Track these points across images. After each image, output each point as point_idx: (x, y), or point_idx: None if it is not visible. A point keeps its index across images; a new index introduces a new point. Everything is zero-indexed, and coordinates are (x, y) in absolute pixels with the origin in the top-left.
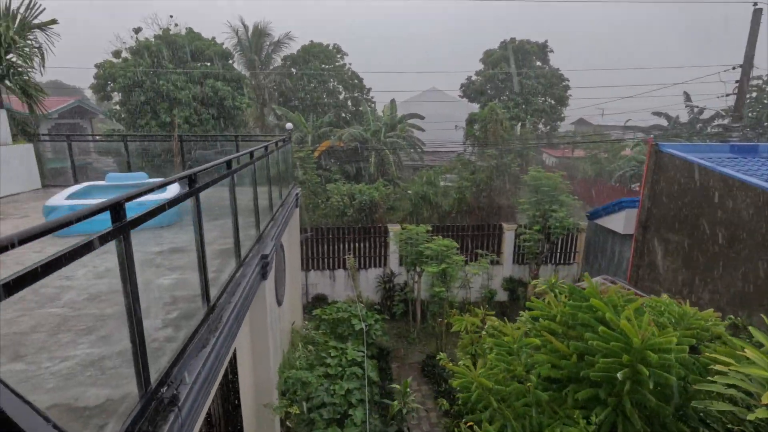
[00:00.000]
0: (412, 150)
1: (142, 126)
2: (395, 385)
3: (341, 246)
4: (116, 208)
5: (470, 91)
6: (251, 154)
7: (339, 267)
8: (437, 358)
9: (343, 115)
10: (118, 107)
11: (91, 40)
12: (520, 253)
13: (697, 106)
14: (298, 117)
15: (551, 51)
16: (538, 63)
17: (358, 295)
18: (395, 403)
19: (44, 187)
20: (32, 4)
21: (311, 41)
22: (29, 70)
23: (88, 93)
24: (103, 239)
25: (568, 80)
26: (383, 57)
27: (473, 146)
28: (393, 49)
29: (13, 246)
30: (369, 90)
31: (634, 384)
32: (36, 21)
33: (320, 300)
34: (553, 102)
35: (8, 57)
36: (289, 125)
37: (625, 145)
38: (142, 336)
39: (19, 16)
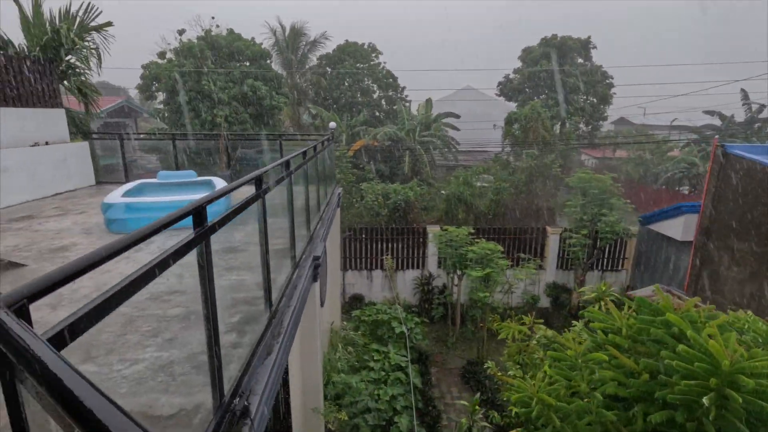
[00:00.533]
0: (446, 149)
1: (184, 124)
2: (464, 402)
3: (378, 246)
4: (199, 212)
5: (508, 89)
6: (304, 153)
7: (376, 267)
8: (484, 366)
9: (377, 114)
10: (162, 106)
11: (136, 41)
12: (565, 258)
13: (757, 104)
14: (333, 116)
15: (594, 47)
16: (580, 60)
17: (395, 296)
18: (464, 420)
19: (98, 184)
20: (90, 7)
21: (346, 40)
22: (86, 71)
23: (132, 93)
24: (189, 246)
25: (612, 78)
26: (417, 56)
27: (513, 146)
28: (427, 47)
29: (101, 262)
30: (403, 89)
31: (720, 409)
32: (93, 24)
33: (357, 300)
34: (594, 100)
35: (67, 58)
36: (332, 124)
37: (672, 145)
38: (218, 345)
39: (78, 19)
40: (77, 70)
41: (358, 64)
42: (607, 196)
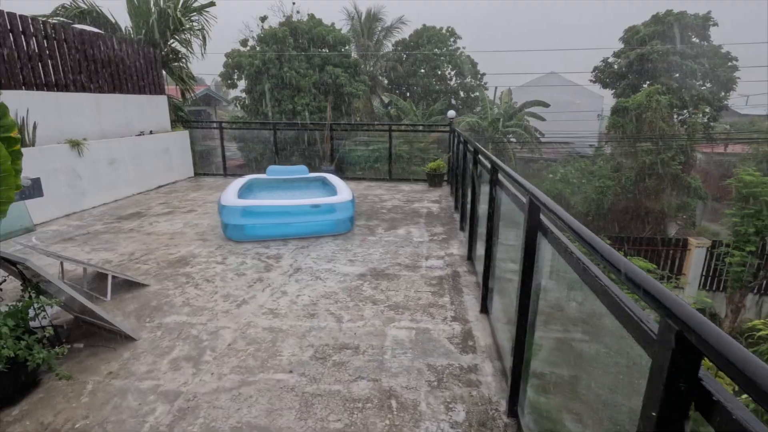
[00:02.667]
0: (529, 141)
1: (265, 113)
2: None
3: None
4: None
5: (606, 75)
6: (474, 150)
7: None
8: None
9: (454, 102)
10: (243, 94)
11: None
12: (715, 277)
13: None
14: (409, 104)
15: (714, 24)
16: (695, 39)
17: None
18: None
19: (196, 176)
20: None
21: (424, 25)
22: (189, 54)
23: (209, 81)
24: None
25: (737, 59)
26: (498, 40)
27: (622, 139)
28: (509, 31)
29: None
30: (483, 75)
31: None
32: (196, 4)
33: None
34: (713, 87)
35: (170, 43)
36: (451, 113)
37: None
38: None
39: None
40: (179, 54)
41: (435, 50)
42: None
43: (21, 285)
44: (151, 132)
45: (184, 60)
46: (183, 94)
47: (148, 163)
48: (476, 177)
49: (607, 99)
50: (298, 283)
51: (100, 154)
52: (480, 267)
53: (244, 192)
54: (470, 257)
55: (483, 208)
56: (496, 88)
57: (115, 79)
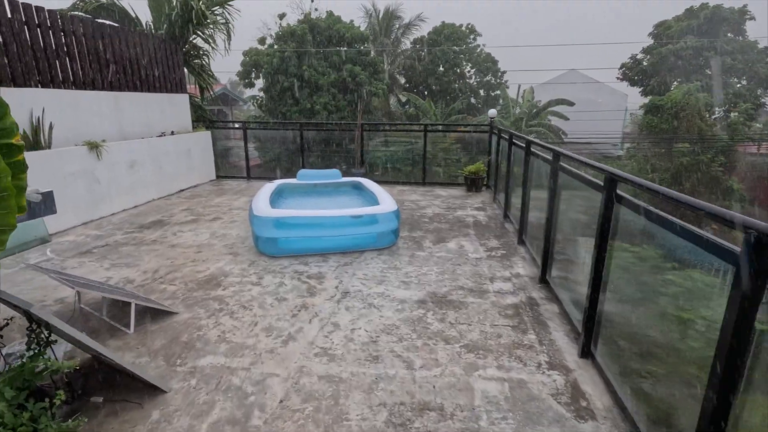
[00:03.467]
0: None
1: (283, 113)
2: None
3: None
4: None
5: (635, 72)
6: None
7: None
8: None
9: (473, 101)
10: (261, 93)
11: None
12: None
13: None
14: (428, 103)
15: (751, 18)
16: (729, 34)
17: None
18: None
19: (218, 179)
20: None
21: (443, 22)
22: (211, 49)
23: (224, 80)
24: None
25: None
26: (518, 36)
27: (661, 139)
28: (529, 28)
29: None
30: (503, 73)
31: None
32: None
33: None
34: (751, 84)
35: (192, 39)
36: (492, 112)
37: None
38: None
39: None
40: (201, 50)
41: (454, 47)
42: None
43: (27, 328)
44: (172, 133)
45: (206, 56)
46: (202, 92)
47: (170, 165)
48: (553, 179)
49: (633, 97)
50: (350, 311)
51: (119, 157)
52: (565, 293)
53: (274, 198)
54: (544, 279)
55: (568, 217)
56: (519, 86)
57: (135, 76)
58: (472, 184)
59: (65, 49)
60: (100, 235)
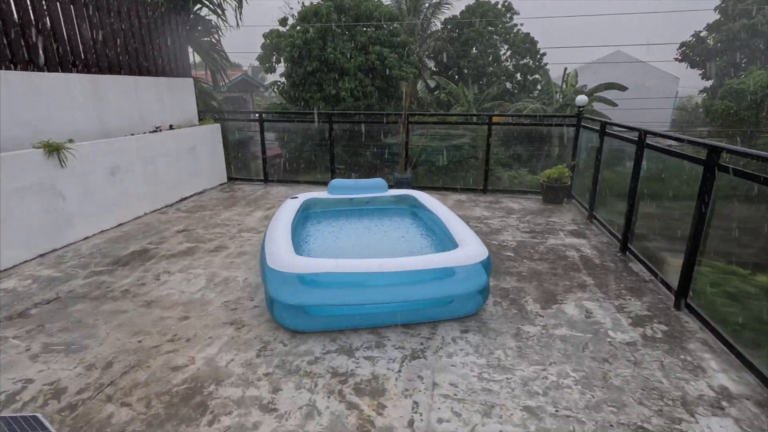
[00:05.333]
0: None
1: (305, 99)
2: None
3: None
4: None
5: (698, 52)
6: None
7: None
8: None
9: (509, 86)
10: (283, 79)
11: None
12: None
13: None
14: (461, 89)
15: None
16: None
17: None
18: None
19: (230, 181)
20: None
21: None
22: (222, 24)
23: (245, 65)
24: None
25: None
26: (558, 12)
27: (740, 134)
28: (571, 4)
29: None
30: (543, 55)
31: None
32: None
33: None
34: None
35: (196, 9)
36: (581, 98)
37: None
38: None
39: None
40: (210, 24)
41: (488, 27)
42: None
43: None
44: (171, 127)
45: (215, 32)
46: (214, 78)
47: (167, 169)
48: None
49: (688, 80)
50: None
51: (95, 161)
52: None
53: (298, 223)
54: None
55: None
56: (565, 68)
57: (121, 54)
58: (552, 195)
59: (15, 15)
60: (54, 279)
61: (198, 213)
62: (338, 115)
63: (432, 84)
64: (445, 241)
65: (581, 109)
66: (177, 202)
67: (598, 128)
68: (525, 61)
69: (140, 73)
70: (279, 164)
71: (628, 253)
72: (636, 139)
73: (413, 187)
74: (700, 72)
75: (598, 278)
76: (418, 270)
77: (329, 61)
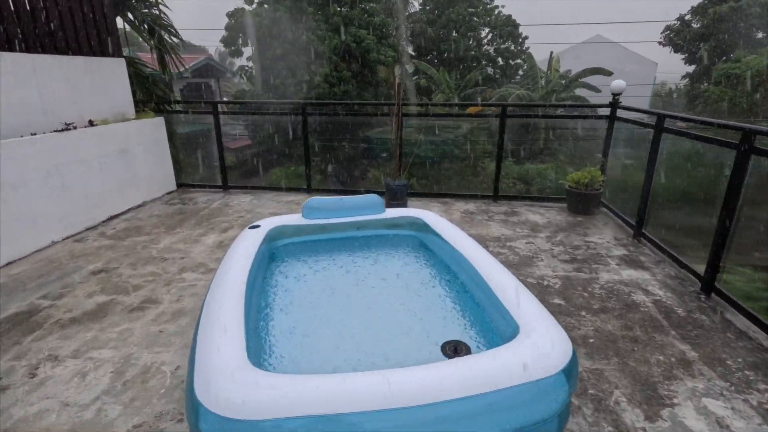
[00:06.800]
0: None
1: (276, 86)
2: None
3: None
4: None
5: (682, 37)
6: None
7: None
8: None
9: (490, 71)
10: (251, 63)
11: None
12: None
13: None
14: (442, 74)
15: None
16: None
17: None
18: None
19: (180, 188)
20: None
21: None
22: None
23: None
24: None
25: None
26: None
27: (731, 118)
28: None
29: None
30: (525, 39)
31: None
32: None
33: None
34: None
35: None
36: (618, 83)
37: None
38: None
39: None
40: None
41: (469, 9)
42: None
43: None
44: (91, 123)
45: (159, 4)
46: (162, 60)
47: (86, 179)
48: None
49: (666, 65)
50: None
51: None
52: None
53: (260, 267)
54: None
55: None
56: (551, 52)
57: (8, 23)
58: (582, 204)
59: None
60: None
61: (129, 239)
62: (313, 106)
63: (410, 69)
64: (482, 303)
65: (617, 96)
66: (103, 222)
67: (649, 122)
68: (507, 44)
69: (42, 51)
70: (248, 157)
71: (714, 294)
72: (733, 141)
73: (408, 194)
74: (683, 57)
75: (699, 346)
76: (453, 401)
77: (301, 43)
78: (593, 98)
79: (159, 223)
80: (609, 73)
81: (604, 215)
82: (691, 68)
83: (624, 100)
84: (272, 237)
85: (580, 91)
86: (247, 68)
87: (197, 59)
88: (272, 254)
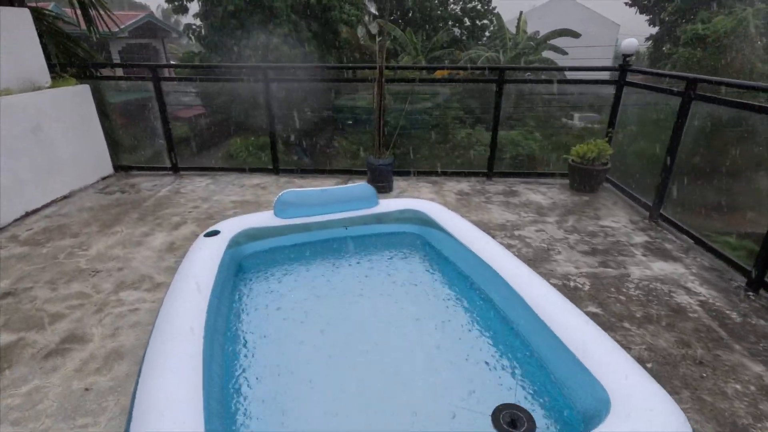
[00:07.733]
0: (555, 79)
1: (229, 48)
2: None
3: None
4: None
5: None
6: None
7: None
8: None
9: (457, 32)
10: (199, 21)
11: None
12: None
13: None
14: (408, 35)
15: None
16: None
17: None
18: None
19: (119, 172)
20: None
21: None
22: None
23: (154, 7)
24: None
25: None
26: None
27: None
28: None
29: None
30: None
31: None
32: None
33: None
34: None
35: None
36: (629, 42)
37: None
38: None
39: None
40: None
41: None
42: None
43: None
44: None
45: None
46: (86, 14)
47: None
48: None
49: (630, 26)
50: None
51: None
52: None
53: (224, 286)
54: None
55: None
56: (521, 12)
57: None
58: (586, 181)
59: None
60: None
61: (49, 245)
62: (277, 69)
63: (374, 30)
64: (543, 357)
65: (628, 58)
66: (16, 221)
67: (672, 88)
68: (473, 3)
69: None
70: (202, 126)
71: (763, 291)
72: None
73: (394, 173)
74: (647, 18)
75: None
76: None
77: None
78: (560, 60)
79: (90, 220)
80: (577, 35)
81: (611, 193)
82: (654, 30)
83: (586, 63)
84: (235, 242)
85: (547, 53)
86: (194, 27)
87: (137, 16)
88: (236, 261)
